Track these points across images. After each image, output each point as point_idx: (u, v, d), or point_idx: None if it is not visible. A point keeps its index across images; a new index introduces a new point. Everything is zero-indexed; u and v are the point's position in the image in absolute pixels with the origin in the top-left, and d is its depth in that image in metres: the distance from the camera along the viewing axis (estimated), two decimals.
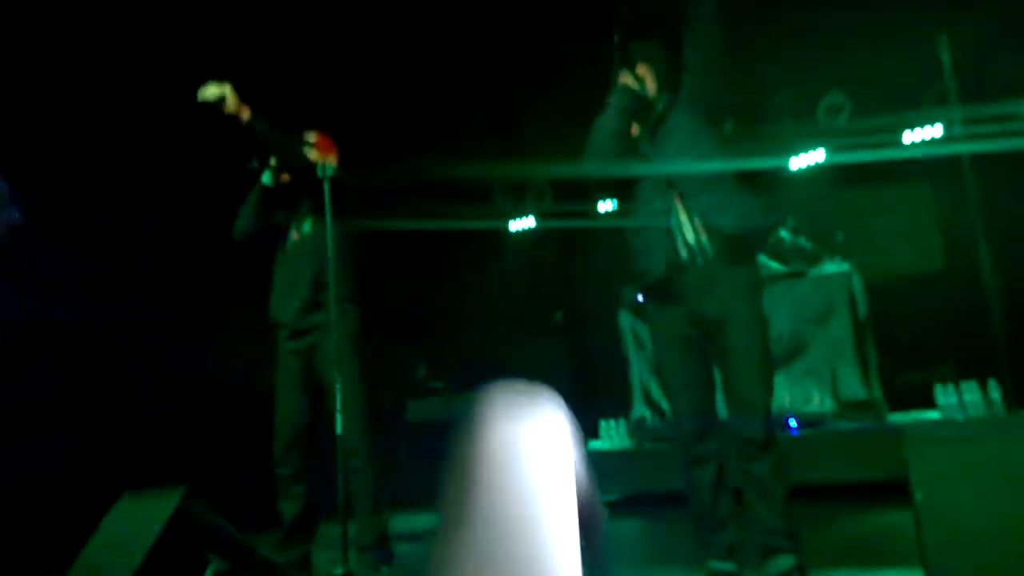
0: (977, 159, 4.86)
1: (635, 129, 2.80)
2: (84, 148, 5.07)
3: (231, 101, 3.19)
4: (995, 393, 4.24)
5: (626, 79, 2.79)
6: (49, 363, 4.85)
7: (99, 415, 4.98)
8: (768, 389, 2.56)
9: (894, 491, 3.98)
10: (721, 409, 2.71)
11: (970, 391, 4.28)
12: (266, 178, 3.45)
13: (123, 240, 5.17)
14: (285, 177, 3.46)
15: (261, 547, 2.95)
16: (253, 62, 5.25)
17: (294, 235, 3.49)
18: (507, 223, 7.36)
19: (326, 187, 3.17)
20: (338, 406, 3.05)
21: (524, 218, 7.36)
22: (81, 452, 4.75)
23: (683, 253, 2.62)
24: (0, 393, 4.43)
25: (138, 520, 2.37)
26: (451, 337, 7.02)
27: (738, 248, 2.61)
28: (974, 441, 2.21)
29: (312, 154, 3.41)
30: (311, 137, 3.47)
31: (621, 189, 2.88)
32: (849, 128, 5.66)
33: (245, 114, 3.22)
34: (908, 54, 5.26)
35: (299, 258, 3.39)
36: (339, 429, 3.02)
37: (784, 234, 5.30)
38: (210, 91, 3.19)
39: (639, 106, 2.78)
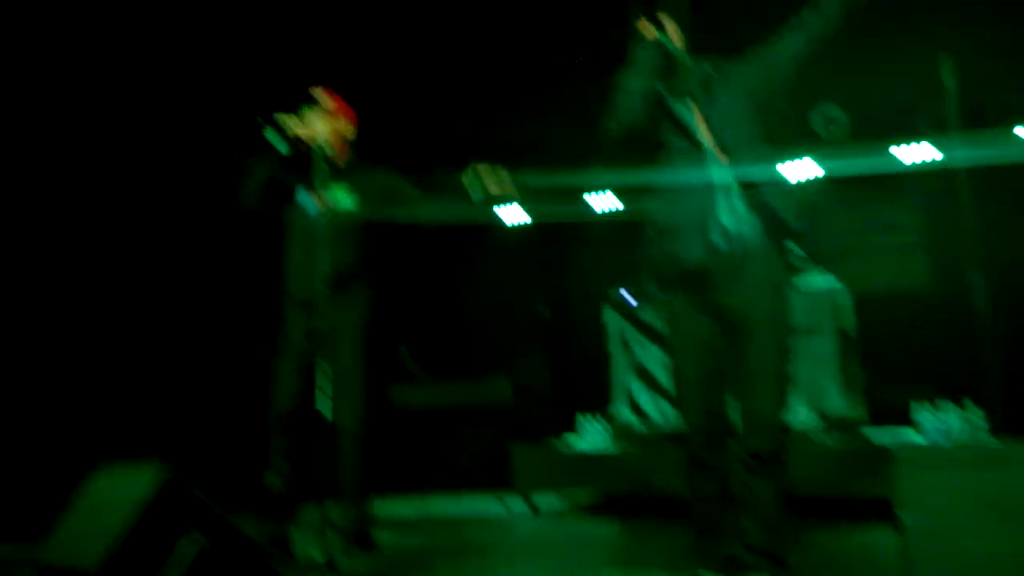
0: (973, 181, 4.89)
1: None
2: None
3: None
4: (975, 416, 4.26)
5: (651, 31, 2.52)
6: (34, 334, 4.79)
7: (78, 384, 4.91)
8: (781, 402, 2.46)
9: (876, 509, 4.03)
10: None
11: (953, 414, 4.29)
12: (282, 148, 3.29)
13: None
14: (302, 147, 3.31)
15: (241, 524, 2.89)
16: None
17: (311, 207, 3.33)
18: (497, 216, 7.31)
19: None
20: (328, 390, 3.01)
21: (514, 210, 7.31)
22: (59, 422, 4.68)
23: (719, 240, 2.42)
24: None
25: (115, 492, 2.31)
26: (434, 324, 6.97)
27: (776, 242, 2.47)
28: (965, 468, 2.21)
29: (329, 125, 3.34)
30: (326, 101, 3.39)
31: (645, 154, 2.60)
32: (843, 142, 5.67)
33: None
34: (907, 74, 5.27)
35: (319, 233, 3.23)
36: (329, 414, 2.96)
37: None
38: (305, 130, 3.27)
39: (668, 63, 2.53)
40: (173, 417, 5.19)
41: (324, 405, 2.99)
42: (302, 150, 3.30)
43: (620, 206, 6.80)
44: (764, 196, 2.48)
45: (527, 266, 7.40)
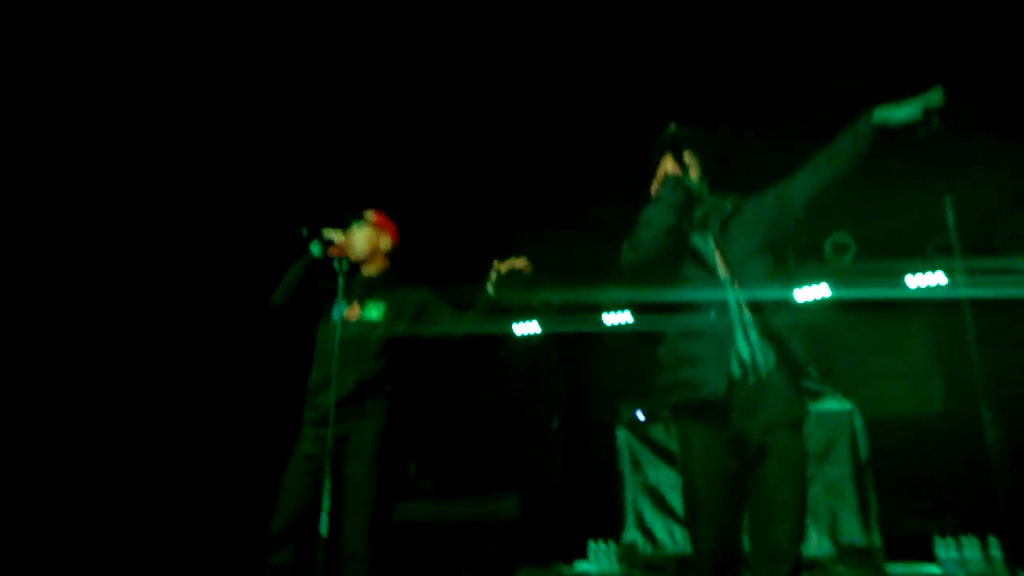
0: (978, 309, 4.93)
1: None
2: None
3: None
4: (996, 551, 4.17)
5: (673, 168, 2.61)
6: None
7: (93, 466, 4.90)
8: (800, 535, 2.38)
9: None
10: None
11: (971, 547, 4.20)
12: (315, 249, 3.32)
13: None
14: (334, 251, 3.33)
15: None
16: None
17: (344, 316, 3.30)
18: (511, 326, 7.38)
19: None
20: (326, 505, 2.96)
21: (529, 322, 7.39)
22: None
23: (736, 370, 2.42)
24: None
25: None
26: (444, 437, 6.93)
27: (790, 373, 2.46)
28: None
29: (365, 233, 3.44)
30: (370, 216, 3.49)
31: (663, 284, 2.61)
32: (854, 268, 5.76)
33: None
34: (914, 205, 5.40)
35: (347, 345, 3.20)
36: (325, 531, 2.90)
37: None
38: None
39: (689, 199, 2.58)
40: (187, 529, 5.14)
41: (323, 522, 2.94)
42: (337, 257, 3.33)
43: (632, 320, 6.88)
44: (779, 327, 2.50)
45: (540, 381, 7.42)
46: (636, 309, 6.66)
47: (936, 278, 5.62)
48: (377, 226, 3.49)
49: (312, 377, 3.34)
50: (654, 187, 2.70)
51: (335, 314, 3.34)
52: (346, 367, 3.16)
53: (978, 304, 4.91)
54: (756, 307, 2.48)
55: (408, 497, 5.87)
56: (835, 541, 4.54)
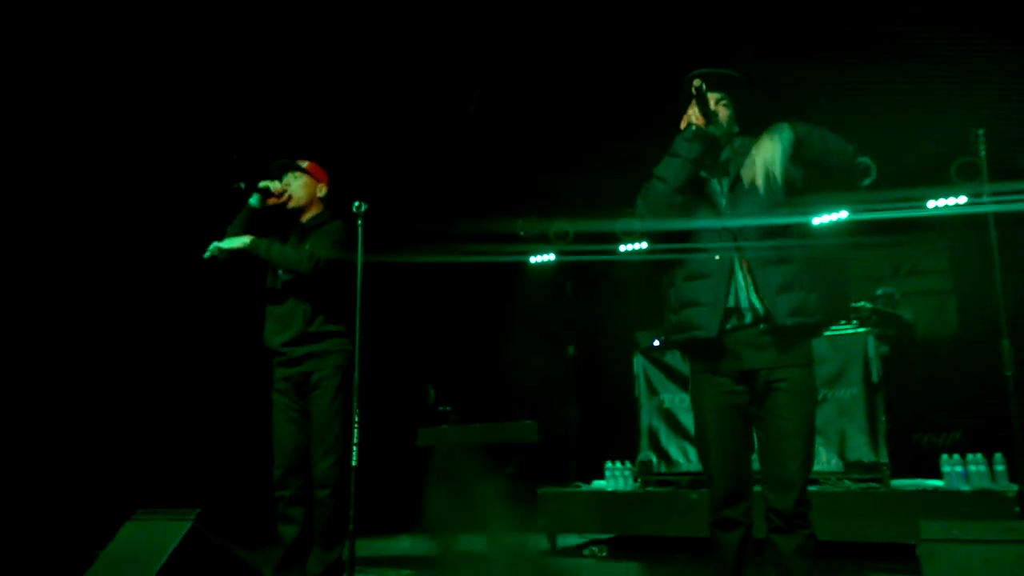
0: (1001, 228, 4.88)
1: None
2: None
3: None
4: (1000, 466, 4.24)
5: (698, 117, 2.57)
6: (59, 380, 5.04)
7: (100, 430, 5.15)
8: (807, 465, 2.48)
9: (895, 554, 4.02)
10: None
11: (975, 463, 4.28)
12: (254, 200, 3.49)
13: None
14: (272, 200, 3.51)
15: (261, 566, 3.01)
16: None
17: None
18: (527, 256, 7.45)
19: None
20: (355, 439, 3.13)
21: (544, 252, 7.45)
22: (76, 467, 4.90)
23: (740, 315, 2.50)
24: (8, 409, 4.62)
25: (150, 540, 2.44)
26: (463, 364, 7.09)
27: (796, 332, 2.51)
28: (990, 544, 2.22)
29: (300, 182, 3.53)
30: (303, 163, 3.58)
31: (674, 236, 2.64)
32: (873, 191, 5.70)
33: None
34: (938, 129, 5.31)
35: (291, 289, 3.43)
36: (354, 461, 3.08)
37: None
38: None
39: (712, 147, 2.58)
40: (196, 466, 5.40)
41: (354, 454, 3.11)
42: (270, 204, 3.51)
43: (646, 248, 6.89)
44: (788, 271, 2.53)
45: (557, 309, 7.51)
46: (651, 240, 6.67)
47: (958, 200, 5.56)
48: (311, 173, 3.59)
49: (267, 327, 3.51)
50: (683, 124, 2.67)
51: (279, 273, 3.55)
52: (294, 313, 3.40)
53: (1001, 225, 4.86)
54: (762, 267, 2.51)
55: (429, 422, 6.06)
56: (843, 458, 4.64)
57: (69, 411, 5.02)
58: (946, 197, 5.62)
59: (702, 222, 2.62)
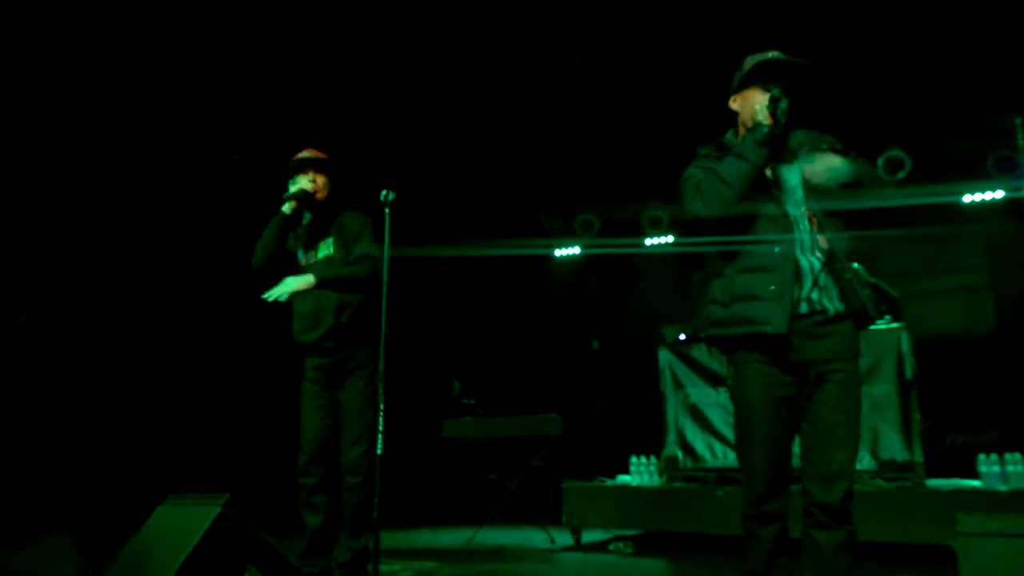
0: None
1: None
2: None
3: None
4: None
5: (767, 117, 2.47)
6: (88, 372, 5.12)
7: (131, 421, 5.21)
8: (853, 459, 2.42)
9: (930, 555, 3.94)
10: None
11: (1014, 463, 4.18)
12: (286, 207, 3.46)
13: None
14: (304, 200, 3.48)
15: (292, 558, 3.00)
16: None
17: (309, 260, 3.54)
18: (552, 249, 7.41)
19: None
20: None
21: (570, 246, 7.41)
22: (103, 455, 4.97)
23: (804, 308, 2.44)
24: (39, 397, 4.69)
25: (180, 524, 2.44)
26: (488, 357, 7.06)
27: (853, 308, 2.48)
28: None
29: (307, 179, 3.49)
30: (321, 155, 3.55)
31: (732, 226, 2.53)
32: (908, 185, 5.60)
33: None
34: (975, 122, 5.20)
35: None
36: (380, 449, 3.06)
37: None
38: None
39: (777, 146, 2.51)
40: (228, 453, 5.43)
41: (379, 442, 3.10)
42: (302, 207, 3.49)
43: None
44: (847, 264, 2.49)
45: (582, 303, 7.47)
46: (680, 232, 6.61)
47: (994, 195, 5.46)
48: (327, 164, 3.54)
49: (296, 325, 3.51)
50: (740, 114, 2.60)
51: (299, 259, 3.59)
52: (322, 307, 3.39)
53: None
54: (828, 247, 2.46)
55: (454, 414, 6.05)
56: (876, 457, 4.55)
57: (109, 405, 5.10)
58: (983, 191, 5.51)
59: (766, 207, 2.52)
